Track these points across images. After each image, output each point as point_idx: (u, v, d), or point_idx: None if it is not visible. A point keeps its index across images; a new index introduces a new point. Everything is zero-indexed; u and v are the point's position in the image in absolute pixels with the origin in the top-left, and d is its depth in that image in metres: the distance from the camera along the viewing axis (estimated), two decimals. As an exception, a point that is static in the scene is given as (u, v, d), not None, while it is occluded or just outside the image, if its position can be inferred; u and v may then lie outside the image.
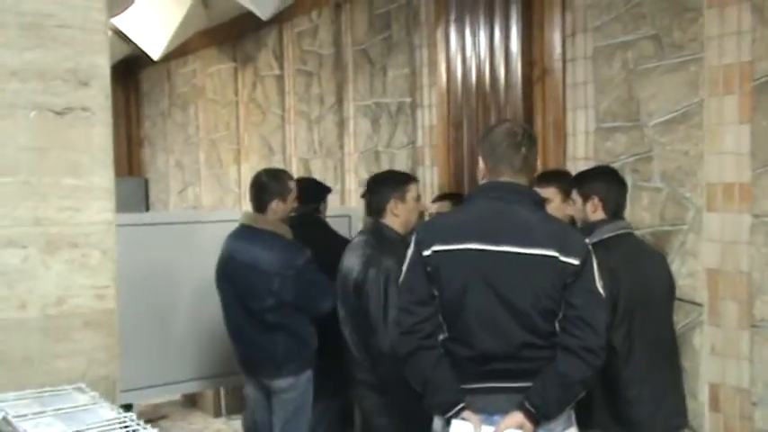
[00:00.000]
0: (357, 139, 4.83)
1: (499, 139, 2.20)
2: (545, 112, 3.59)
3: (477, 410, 2.11)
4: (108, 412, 1.90)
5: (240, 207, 6.05)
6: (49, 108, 2.34)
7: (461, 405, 2.12)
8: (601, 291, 2.11)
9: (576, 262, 2.09)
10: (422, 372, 2.16)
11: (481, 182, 2.27)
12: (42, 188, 2.33)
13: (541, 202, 2.25)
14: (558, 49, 3.51)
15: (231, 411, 5.27)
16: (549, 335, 2.10)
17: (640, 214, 3.08)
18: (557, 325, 2.11)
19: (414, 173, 4.35)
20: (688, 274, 2.93)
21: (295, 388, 3.12)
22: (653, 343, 2.48)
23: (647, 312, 2.46)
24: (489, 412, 2.11)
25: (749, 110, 2.77)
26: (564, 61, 3.49)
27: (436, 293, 2.17)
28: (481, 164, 2.26)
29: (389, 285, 2.74)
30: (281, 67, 5.52)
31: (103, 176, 2.45)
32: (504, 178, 2.19)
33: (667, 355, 2.58)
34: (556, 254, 2.08)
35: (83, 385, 2.21)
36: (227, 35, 6.08)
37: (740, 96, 2.81)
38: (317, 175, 5.16)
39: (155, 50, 5.88)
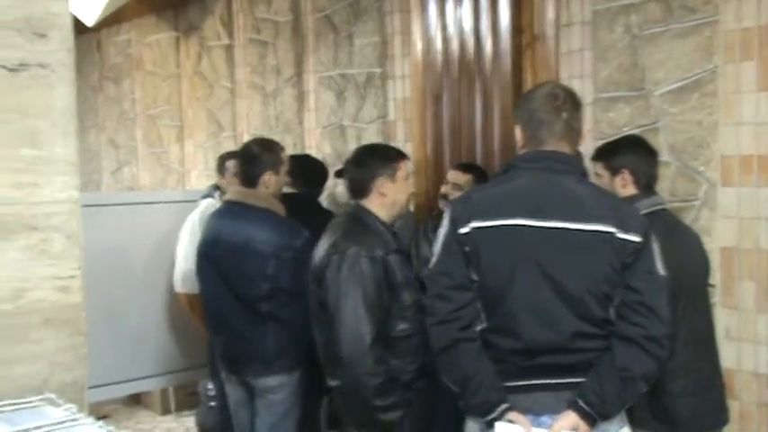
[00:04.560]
0: (319, 113, 4.49)
1: (538, 104, 1.94)
2: (536, 82, 3.34)
3: (522, 411, 1.86)
4: (94, 430, 1.56)
5: (183, 188, 5.62)
6: (-1, 63, 1.95)
7: (505, 405, 1.86)
8: (662, 272, 1.88)
9: (636, 239, 1.85)
10: (460, 367, 1.89)
11: (519, 152, 2.01)
12: (-7, 160, 1.94)
13: (587, 174, 2.01)
14: (550, 14, 3.27)
15: (181, 408, 4.89)
16: (603, 323, 1.86)
17: (648, 190, 2.88)
18: (611, 311, 1.87)
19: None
20: (702, 252, 2.75)
21: (284, 388, 2.78)
22: (695, 330, 2.28)
23: (689, 297, 2.25)
24: (536, 412, 1.86)
25: (769, 77, 2.60)
26: (557, 27, 3.25)
27: (475, 277, 1.90)
28: (518, 132, 2.00)
29: (350, 277, 2.32)
30: (231, 37, 5.11)
31: (67, 146, 2.06)
32: (546, 147, 1.94)
33: (709, 343, 2.38)
34: (613, 230, 1.84)
35: (53, 396, 1.84)
36: (168, 2, 5.61)
37: (759, 62, 2.63)
38: (274, 153, 4.81)
39: (88, 16, 5.36)
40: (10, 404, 1.74)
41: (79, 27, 5.84)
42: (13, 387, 1.93)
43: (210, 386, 3.85)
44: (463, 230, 1.89)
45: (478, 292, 1.90)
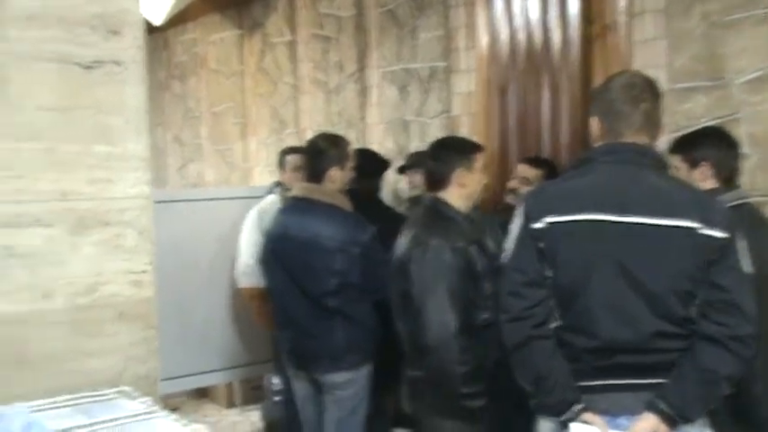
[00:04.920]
0: (382, 108, 4.47)
1: (615, 94, 1.88)
2: (607, 73, 3.24)
3: (598, 412, 1.80)
4: (170, 423, 1.57)
5: (247, 184, 5.68)
6: (74, 61, 1.97)
7: (581, 405, 1.80)
8: (747, 269, 1.80)
9: (721, 235, 1.77)
10: (533, 366, 1.84)
11: (595, 145, 1.94)
12: (68, 156, 1.97)
13: (668, 167, 1.93)
14: (622, 2, 3.17)
15: (245, 402, 4.94)
16: (684, 322, 1.79)
17: (726, 183, 2.76)
18: (692, 310, 1.79)
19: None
20: (786, 249, 2.62)
21: (353, 384, 2.78)
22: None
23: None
24: (613, 414, 1.80)
25: None
26: (630, 15, 3.15)
27: (549, 273, 1.85)
28: (594, 123, 1.93)
29: (434, 268, 2.35)
30: (294, 33, 5.13)
31: (138, 143, 2.09)
32: (624, 139, 1.87)
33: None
34: (697, 225, 1.76)
35: (127, 388, 1.86)
36: (232, 0, 5.66)
37: None
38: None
39: (155, 16, 5.46)
40: (87, 396, 1.77)
41: (147, 26, 5.96)
42: (90, 380, 1.96)
43: (275, 381, 3.87)
44: (537, 225, 1.84)
45: (553, 289, 1.85)
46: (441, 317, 2.28)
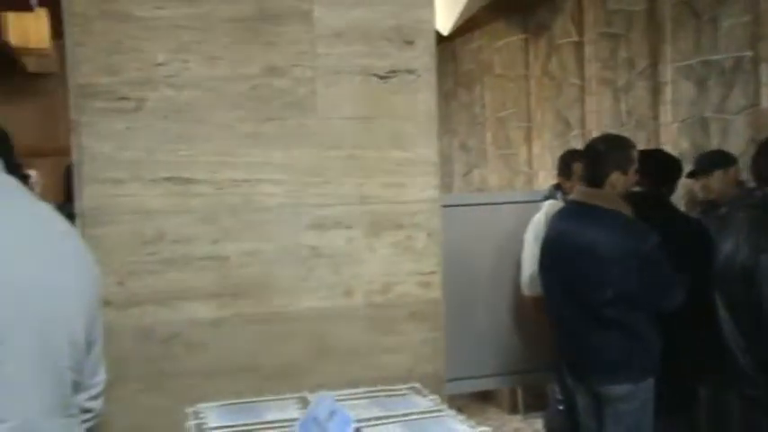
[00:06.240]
0: (677, 106, 4.17)
1: None
2: None
3: None
4: (459, 424, 1.58)
5: (531, 189, 5.63)
6: (373, 72, 2.10)
7: None
8: None
9: None
10: None
11: None
12: (367, 162, 2.10)
13: None
14: None
15: (528, 409, 4.90)
16: None
17: None
18: None
19: (754, 141, 3.64)
20: None
21: (634, 397, 2.60)
22: None
23: None
24: None
25: None
26: None
27: None
28: None
29: None
30: (581, 33, 4.99)
31: (429, 148, 2.17)
32: None
33: None
34: None
35: (417, 385, 1.92)
36: (517, 5, 5.67)
37: None
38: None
39: (443, 26, 5.65)
40: (383, 390, 1.86)
41: (437, 37, 6.20)
42: (384, 374, 2.07)
43: (557, 389, 3.78)
44: None
45: None
46: None
